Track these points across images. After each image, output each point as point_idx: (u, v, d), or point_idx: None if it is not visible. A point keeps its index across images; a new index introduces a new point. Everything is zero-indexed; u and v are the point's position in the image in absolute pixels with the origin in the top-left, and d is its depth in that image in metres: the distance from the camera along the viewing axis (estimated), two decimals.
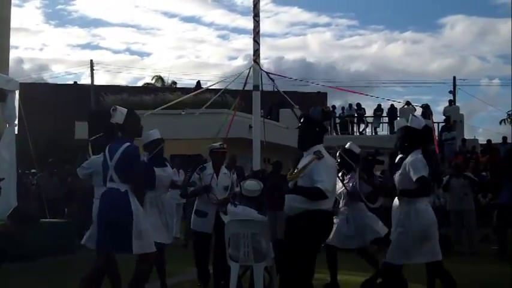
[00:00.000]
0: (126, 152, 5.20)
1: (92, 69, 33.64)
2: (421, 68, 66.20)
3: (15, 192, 10.38)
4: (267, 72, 10.02)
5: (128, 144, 5.25)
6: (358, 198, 6.79)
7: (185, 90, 25.03)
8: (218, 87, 16.01)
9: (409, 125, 5.40)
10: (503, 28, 60.70)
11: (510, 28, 52.63)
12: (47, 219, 10.91)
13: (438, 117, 25.45)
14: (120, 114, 5.31)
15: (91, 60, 33.87)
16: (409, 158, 5.26)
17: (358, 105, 26.20)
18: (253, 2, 8.88)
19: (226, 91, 14.01)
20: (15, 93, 11.07)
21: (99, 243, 5.34)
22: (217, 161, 7.22)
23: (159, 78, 36.71)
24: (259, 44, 9.59)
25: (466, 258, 10.05)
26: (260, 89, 9.53)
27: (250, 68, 8.40)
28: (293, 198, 5.14)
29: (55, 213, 12.51)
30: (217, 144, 7.31)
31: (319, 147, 5.17)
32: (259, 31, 9.50)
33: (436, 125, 24.99)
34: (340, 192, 6.92)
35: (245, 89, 9.74)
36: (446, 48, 68.82)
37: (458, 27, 68.24)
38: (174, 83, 36.48)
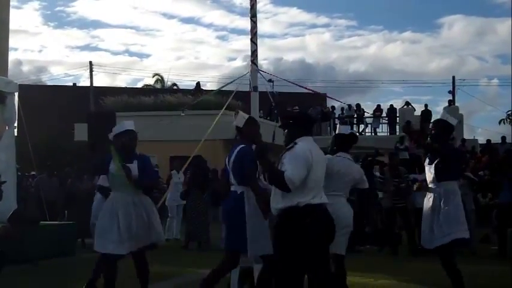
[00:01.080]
0: (239, 154, 5.38)
1: (91, 71, 33.65)
2: (419, 68, 66.26)
3: (15, 194, 10.37)
4: (262, 71, 10.04)
5: (242, 146, 5.44)
6: None
7: (185, 92, 25.07)
8: (217, 89, 15.98)
9: (337, 132, 6.22)
10: (501, 28, 60.73)
11: (508, 28, 52.65)
12: (47, 222, 10.91)
13: (437, 117, 25.44)
14: (241, 118, 5.57)
15: (90, 62, 33.92)
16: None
17: (358, 105, 26.21)
18: (250, 3, 8.88)
19: (225, 92, 13.99)
20: (14, 95, 11.05)
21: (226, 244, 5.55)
22: None
23: (159, 79, 36.58)
24: (256, 45, 9.58)
25: (466, 258, 10.04)
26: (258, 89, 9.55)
27: (257, 71, 8.42)
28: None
29: (55, 215, 12.52)
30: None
31: (300, 139, 4.76)
32: (256, 32, 9.50)
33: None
34: None
35: (243, 90, 9.75)
36: (444, 48, 68.87)
37: (457, 27, 68.28)
38: (175, 84, 36.29)
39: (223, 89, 13.82)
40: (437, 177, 6.09)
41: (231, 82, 8.79)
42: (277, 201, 4.65)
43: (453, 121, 6.45)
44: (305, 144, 4.69)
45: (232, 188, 5.44)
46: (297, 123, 4.87)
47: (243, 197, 5.31)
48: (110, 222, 5.73)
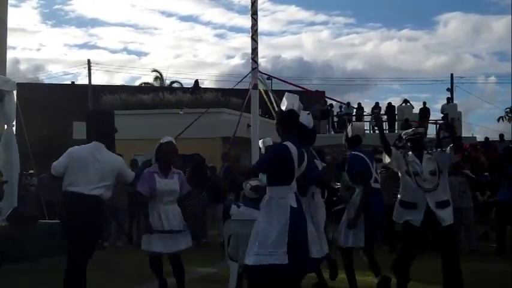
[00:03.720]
0: None
1: (89, 69, 33.64)
2: (416, 66, 66.31)
3: (16, 193, 10.38)
4: (262, 73, 10.04)
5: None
6: None
7: (183, 90, 25.05)
8: (216, 87, 15.98)
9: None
10: (497, 25, 60.79)
11: (503, 25, 52.73)
12: (46, 220, 10.90)
13: (436, 115, 25.52)
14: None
15: (88, 60, 33.88)
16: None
17: (359, 104, 26.26)
18: (251, 0, 8.84)
19: (223, 90, 13.96)
20: (12, 93, 11.04)
21: None
22: None
23: (158, 77, 36.48)
24: (257, 42, 9.54)
25: (465, 255, 10.05)
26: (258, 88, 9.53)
27: (256, 70, 8.40)
28: None
29: (53, 214, 12.51)
30: None
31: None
32: (257, 29, 9.46)
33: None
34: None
35: (244, 88, 9.73)
36: (441, 45, 68.90)
37: (453, 24, 68.30)
38: (178, 82, 36.07)
39: (221, 87, 13.81)
40: None
41: (241, 80, 8.76)
42: None
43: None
44: (86, 146, 6.06)
45: None
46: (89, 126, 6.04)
47: None
48: None
